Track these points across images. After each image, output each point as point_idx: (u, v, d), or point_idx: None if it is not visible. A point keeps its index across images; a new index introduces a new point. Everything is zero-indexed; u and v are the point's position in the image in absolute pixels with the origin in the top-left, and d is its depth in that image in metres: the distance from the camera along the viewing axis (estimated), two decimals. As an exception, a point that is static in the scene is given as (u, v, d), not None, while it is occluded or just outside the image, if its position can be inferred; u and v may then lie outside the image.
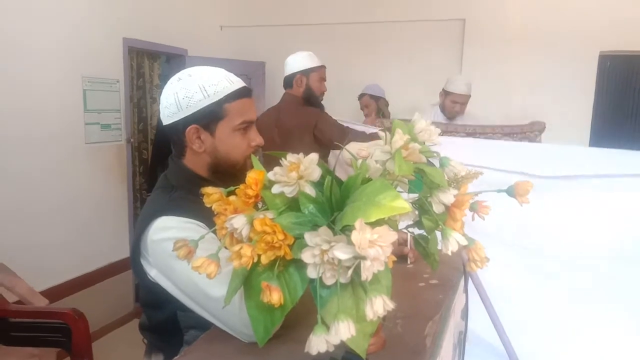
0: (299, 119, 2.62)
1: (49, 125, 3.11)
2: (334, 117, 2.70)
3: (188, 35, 4.33)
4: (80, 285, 3.32)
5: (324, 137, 2.57)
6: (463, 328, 1.26)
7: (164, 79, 4.28)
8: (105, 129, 3.55)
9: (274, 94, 3.80)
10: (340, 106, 4.08)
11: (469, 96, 3.38)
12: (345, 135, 2.55)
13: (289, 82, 2.70)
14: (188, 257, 0.69)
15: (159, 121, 4.51)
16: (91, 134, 3.43)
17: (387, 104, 3.99)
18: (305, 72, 2.67)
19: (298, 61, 2.69)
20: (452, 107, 3.36)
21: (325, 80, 2.76)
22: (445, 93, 3.38)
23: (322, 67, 2.73)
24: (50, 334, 1.91)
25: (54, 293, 2.91)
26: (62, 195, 3.23)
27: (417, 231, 0.76)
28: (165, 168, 1.20)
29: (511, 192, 0.69)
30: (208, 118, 1.09)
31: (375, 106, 3.94)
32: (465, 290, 1.23)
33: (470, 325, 1.33)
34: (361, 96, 4.03)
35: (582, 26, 3.89)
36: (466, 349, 1.31)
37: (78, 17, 3.28)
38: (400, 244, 1.24)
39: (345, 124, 2.72)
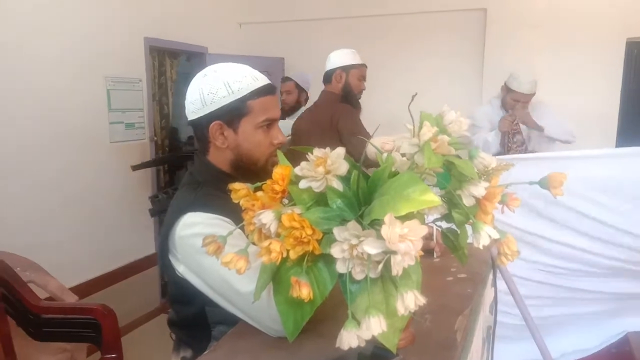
0: (331, 113, 2.57)
1: (74, 125, 3.17)
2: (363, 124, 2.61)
3: (208, 33, 4.37)
4: (107, 281, 3.40)
5: (339, 129, 2.50)
6: (492, 323, 1.24)
7: (183, 75, 4.32)
8: (129, 128, 3.61)
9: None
10: (364, 102, 4.05)
11: (533, 95, 3.12)
12: (357, 138, 2.49)
13: (328, 77, 2.68)
14: (217, 252, 0.69)
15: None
16: (115, 133, 3.49)
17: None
18: (345, 69, 2.65)
19: (339, 57, 2.67)
20: (512, 105, 3.13)
21: (365, 80, 2.73)
22: (506, 89, 3.15)
23: (362, 66, 2.70)
24: (80, 330, 1.93)
25: (83, 290, 2.97)
26: (89, 194, 3.30)
27: (444, 225, 0.74)
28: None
29: (544, 184, 0.67)
30: (231, 114, 1.09)
31: (296, 95, 3.56)
32: (494, 284, 1.21)
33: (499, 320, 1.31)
34: (286, 80, 3.63)
35: (608, 12, 3.78)
36: (495, 344, 1.29)
37: (99, 18, 3.33)
38: (427, 238, 1.23)
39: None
